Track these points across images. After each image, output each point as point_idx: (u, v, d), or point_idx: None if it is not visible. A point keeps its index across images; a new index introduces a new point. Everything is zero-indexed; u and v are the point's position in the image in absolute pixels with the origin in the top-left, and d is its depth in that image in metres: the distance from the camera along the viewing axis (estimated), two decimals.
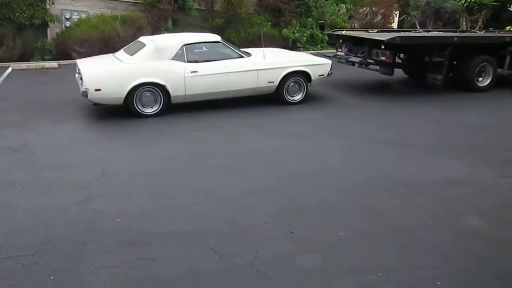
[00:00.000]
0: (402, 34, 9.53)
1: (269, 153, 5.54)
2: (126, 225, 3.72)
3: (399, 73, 10.12)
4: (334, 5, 17.13)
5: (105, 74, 6.90)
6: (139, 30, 12.79)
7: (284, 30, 15.45)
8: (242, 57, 7.55)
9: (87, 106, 7.32)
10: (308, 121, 7.07)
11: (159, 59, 6.99)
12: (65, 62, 11.90)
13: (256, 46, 14.36)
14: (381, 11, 18.45)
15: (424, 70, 9.14)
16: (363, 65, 9.05)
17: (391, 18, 19.10)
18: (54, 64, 11.95)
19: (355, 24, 18.24)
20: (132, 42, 8.00)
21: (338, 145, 5.90)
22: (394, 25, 19.82)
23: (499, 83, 9.42)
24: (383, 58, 8.61)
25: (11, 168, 5.02)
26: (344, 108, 7.94)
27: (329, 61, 8.34)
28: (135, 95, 6.82)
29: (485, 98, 8.77)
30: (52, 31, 13.83)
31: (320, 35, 16.48)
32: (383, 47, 8.34)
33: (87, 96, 6.63)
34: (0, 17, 12.07)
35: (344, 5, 17.83)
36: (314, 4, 16.05)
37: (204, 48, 7.48)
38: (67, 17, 13.99)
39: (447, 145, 5.91)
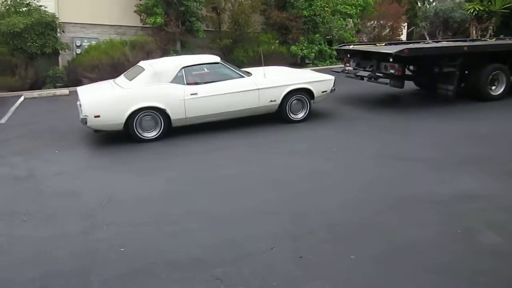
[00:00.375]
0: (410, 45, 9.41)
1: (275, 173, 5.43)
2: (130, 254, 3.63)
3: (410, 85, 9.97)
4: (341, 20, 17.09)
5: (104, 100, 6.89)
6: (148, 54, 12.87)
7: (292, 47, 15.46)
8: (242, 77, 7.46)
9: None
10: (316, 138, 6.96)
11: (158, 83, 6.94)
12: (75, 89, 12.00)
13: (266, 65, 14.43)
14: (389, 24, 18.36)
15: (435, 81, 8.99)
16: (372, 79, 8.92)
17: (399, 30, 18.99)
18: (65, 91, 12.09)
19: (363, 38, 18.17)
20: (132, 67, 7.99)
21: (346, 161, 5.76)
22: (403, 37, 19.71)
23: None
24: (392, 71, 8.47)
25: (18, 198, 5.00)
26: (354, 123, 7.80)
27: (331, 77, 8.19)
28: (135, 120, 6.77)
29: (499, 107, 8.55)
30: (64, 58, 14.07)
31: (328, 50, 16.44)
32: (391, 60, 8.22)
33: (86, 123, 6.60)
34: (12, 47, 12.31)
35: (351, 20, 17.78)
36: (321, 20, 16.05)
37: (204, 70, 7.43)
38: (78, 44, 14.22)
39: (458, 157, 5.72)
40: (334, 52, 16.05)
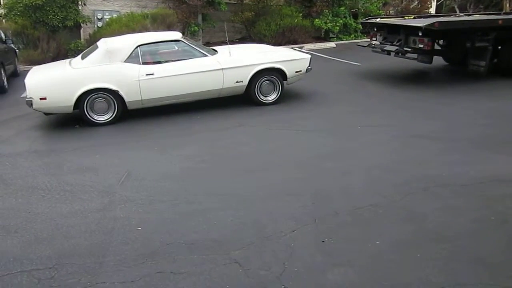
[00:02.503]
0: (440, 19, 8.98)
1: (297, 151, 5.26)
2: (147, 234, 3.54)
3: (438, 61, 9.56)
4: None
5: (51, 81, 6.52)
6: (169, 27, 12.71)
7: (316, 20, 15.02)
8: (205, 55, 7.00)
9: None
10: (339, 115, 6.71)
11: (110, 63, 6.54)
12: None
13: (288, 39, 14.09)
14: None
15: (466, 57, 8.58)
16: (400, 54, 8.58)
17: (428, 3, 18.26)
18: None
19: (390, 11, 17.54)
20: (92, 45, 7.49)
21: (373, 141, 5.52)
22: (432, 10, 18.95)
23: None
24: (421, 46, 8.10)
25: (37, 173, 4.96)
26: (380, 100, 7.50)
27: (307, 56, 7.63)
28: (86, 102, 6.44)
29: None
30: (85, 31, 14.03)
31: (353, 24, 15.93)
32: (420, 33, 7.85)
33: (32, 105, 6.28)
34: (34, 20, 12.29)
35: None
36: None
37: (163, 48, 7.00)
38: (99, 17, 14.12)
39: (494, 138, 5.42)
40: (360, 26, 15.55)
